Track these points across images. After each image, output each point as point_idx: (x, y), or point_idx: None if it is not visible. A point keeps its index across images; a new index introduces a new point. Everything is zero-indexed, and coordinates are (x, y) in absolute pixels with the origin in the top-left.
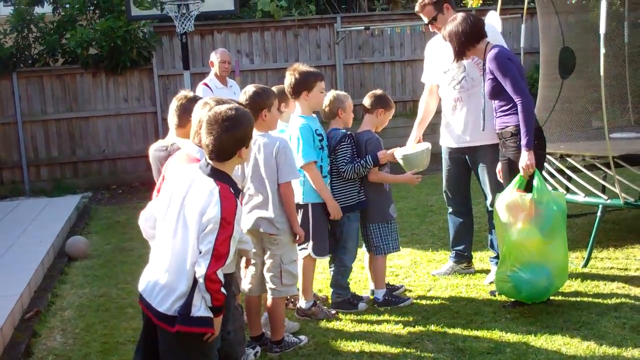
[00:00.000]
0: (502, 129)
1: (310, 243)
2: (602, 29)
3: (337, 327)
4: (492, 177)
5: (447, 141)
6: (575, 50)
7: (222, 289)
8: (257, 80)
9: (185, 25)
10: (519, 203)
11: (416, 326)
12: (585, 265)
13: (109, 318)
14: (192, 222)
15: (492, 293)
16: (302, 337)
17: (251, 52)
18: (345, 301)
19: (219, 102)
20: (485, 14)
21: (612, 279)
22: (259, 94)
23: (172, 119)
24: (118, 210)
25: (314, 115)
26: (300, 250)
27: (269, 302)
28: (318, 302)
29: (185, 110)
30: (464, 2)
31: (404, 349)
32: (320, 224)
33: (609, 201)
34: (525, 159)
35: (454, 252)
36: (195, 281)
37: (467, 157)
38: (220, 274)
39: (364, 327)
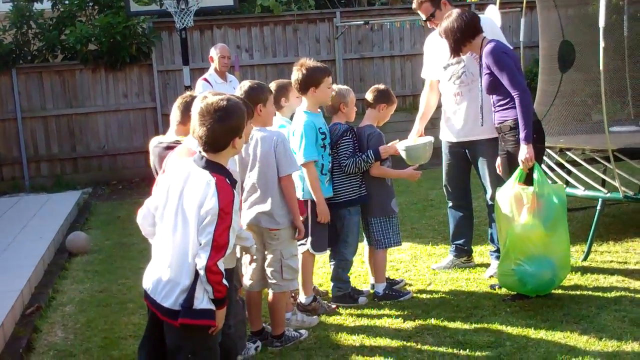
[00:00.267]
0: (501, 123)
1: (309, 238)
2: (602, 22)
3: (337, 322)
4: (492, 171)
5: (447, 135)
6: (575, 44)
7: (224, 281)
8: (256, 75)
9: (185, 20)
10: (521, 196)
11: (416, 320)
12: (585, 259)
13: (110, 313)
14: (190, 215)
15: (492, 287)
16: (303, 331)
17: (250, 47)
18: (346, 295)
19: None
20: (484, 8)
21: (612, 272)
22: (254, 89)
23: (175, 115)
24: (118, 205)
25: (319, 111)
26: (299, 245)
27: (270, 297)
28: (318, 297)
29: (189, 108)
30: None
31: (404, 342)
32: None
33: (608, 195)
34: (525, 152)
35: (454, 246)
36: (197, 274)
37: (467, 151)
38: (221, 265)
39: (364, 321)
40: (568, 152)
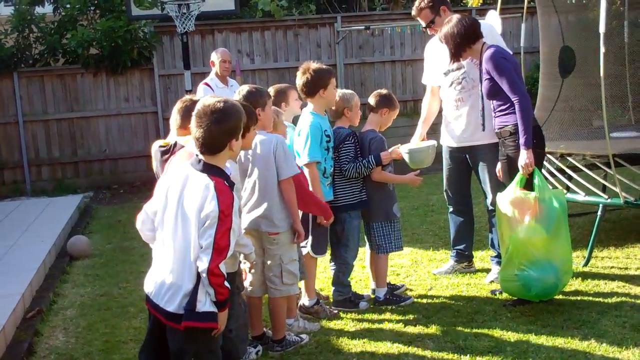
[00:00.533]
0: (501, 128)
1: (310, 241)
2: (602, 28)
3: (338, 326)
4: (492, 176)
5: (448, 141)
6: (575, 50)
7: (226, 283)
8: (257, 79)
9: (186, 25)
10: (523, 201)
11: (417, 325)
12: (585, 265)
13: (111, 317)
14: (190, 219)
15: (493, 292)
16: (304, 336)
17: (252, 52)
18: (347, 299)
19: None
20: (485, 14)
21: (613, 278)
22: (253, 93)
23: (175, 119)
24: (119, 209)
25: (325, 114)
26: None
27: (270, 302)
28: (321, 300)
29: (189, 112)
30: (464, 1)
31: (405, 347)
32: (319, 223)
33: (609, 200)
34: (524, 157)
35: (455, 251)
36: (199, 277)
37: (467, 156)
38: (222, 268)
39: (365, 326)
40: (569, 158)
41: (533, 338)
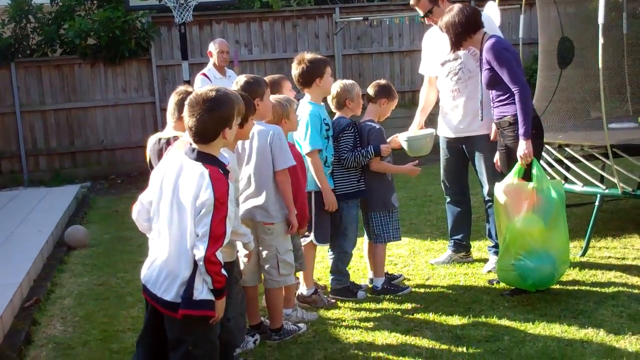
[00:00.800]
0: (500, 118)
1: (313, 230)
2: (601, 19)
3: (336, 316)
4: (489, 166)
5: (445, 131)
6: (574, 41)
7: (223, 271)
8: (255, 70)
9: (184, 15)
10: (521, 191)
11: (415, 314)
12: (583, 255)
13: (108, 306)
14: (186, 207)
15: (490, 282)
16: (301, 325)
17: (250, 43)
18: (345, 288)
19: None
20: (484, 5)
21: (610, 268)
22: (250, 83)
23: (172, 112)
24: (117, 200)
25: (322, 103)
26: (302, 238)
27: (267, 292)
28: (319, 290)
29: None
30: None
31: (403, 337)
32: (322, 212)
33: (607, 191)
34: (523, 147)
35: (452, 241)
36: (196, 265)
37: (464, 146)
38: (219, 256)
39: (363, 316)
40: (567, 149)
41: (530, 327)
